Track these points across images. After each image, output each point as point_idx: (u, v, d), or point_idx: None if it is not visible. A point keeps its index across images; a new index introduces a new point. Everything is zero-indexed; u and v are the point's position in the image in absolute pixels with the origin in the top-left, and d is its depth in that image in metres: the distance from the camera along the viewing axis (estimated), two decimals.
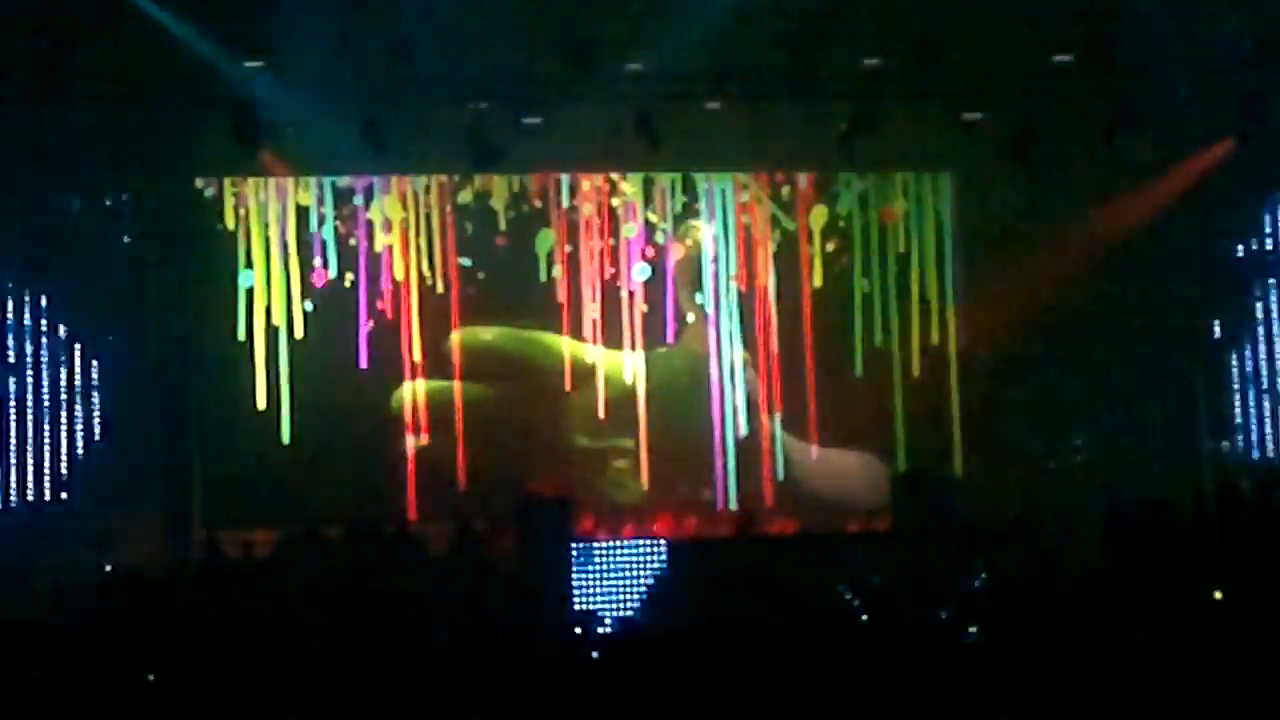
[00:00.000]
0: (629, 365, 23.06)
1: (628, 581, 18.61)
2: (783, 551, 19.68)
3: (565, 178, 22.96)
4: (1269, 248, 22.59)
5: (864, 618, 10.31)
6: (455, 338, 22.64)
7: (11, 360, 21.30)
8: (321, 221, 22.53)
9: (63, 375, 21.32)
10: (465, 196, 22.88)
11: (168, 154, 21.30)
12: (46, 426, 21.19)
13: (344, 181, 22.67)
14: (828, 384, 23.34)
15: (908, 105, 21.06)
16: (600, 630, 15.55)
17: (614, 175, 23.05)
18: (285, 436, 22.15)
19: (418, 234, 22.68)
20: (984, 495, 21.22)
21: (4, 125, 19.88)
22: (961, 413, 23.18)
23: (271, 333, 22.30)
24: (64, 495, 20.96)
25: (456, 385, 22.70)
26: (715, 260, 23.34)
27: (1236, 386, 22.92)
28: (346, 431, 22.12)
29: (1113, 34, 19.44)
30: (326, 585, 18.11)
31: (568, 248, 23.12)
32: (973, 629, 10.94)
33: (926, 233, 23.49)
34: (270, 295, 22.32)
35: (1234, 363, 23.05)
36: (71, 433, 21.11)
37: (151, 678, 12.09)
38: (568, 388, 22.87)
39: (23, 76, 19.01)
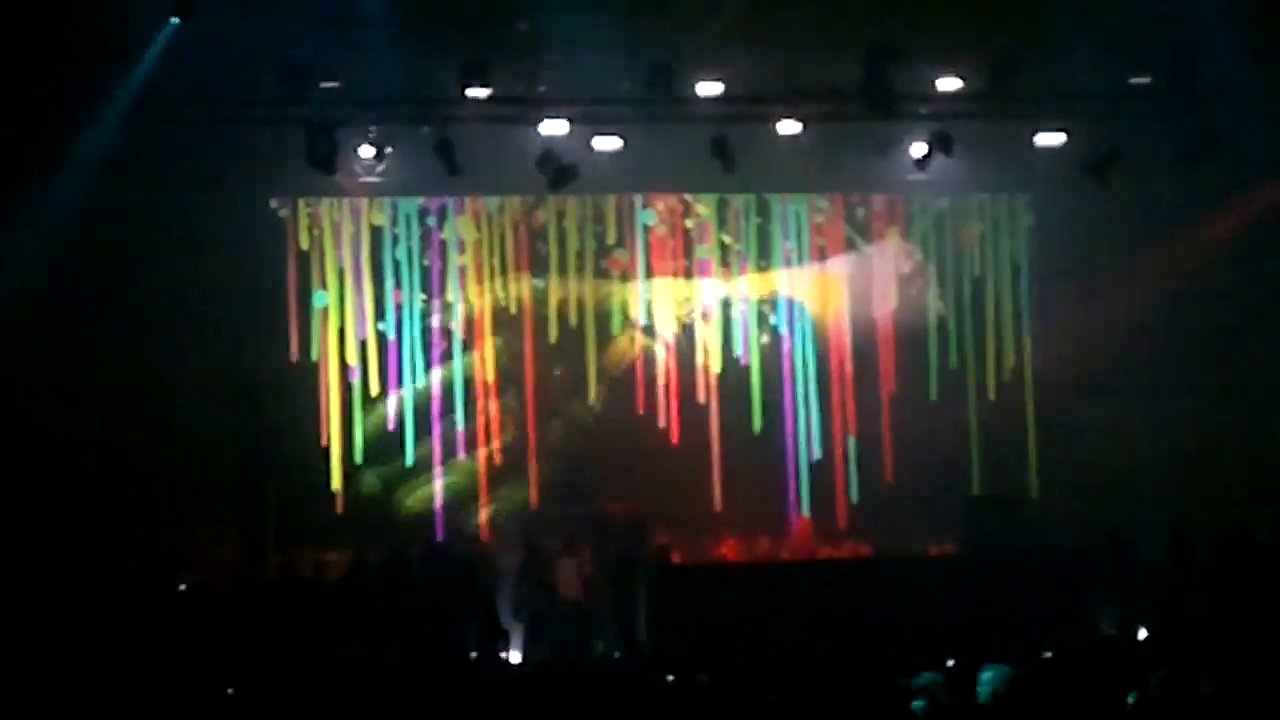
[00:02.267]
0: (702, 386, 22.88)
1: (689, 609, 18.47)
2: (853, 577, 19.66)
3: (639, 199, 22.88)
4: None
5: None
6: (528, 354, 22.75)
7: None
8: (395, 242, 22.51)
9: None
10: (541, 217, 22.88)
11: (243, 174, 21.13)
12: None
13: (418, 202, 22.63)
14: (902, 407, 23.12)
15: (986, 126, 20.79)
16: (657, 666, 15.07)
17: (688, 197, 22.95)
18: (359, 456, 22.25)
19: (491, 255, 22.71)
20: (1060, 521, 21.25)
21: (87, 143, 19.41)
22: (1037, 437, 23.13)
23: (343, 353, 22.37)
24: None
25: (529, 405, 22.81)
26: (789, 282, 23.20)
27: None
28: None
29: (1194, 56, 19.14)
30: (397, 605, 19.05)
31: (641, 268, 23.02)
32: None
33: (1002, 255, 23.41)
34: (344, 316, 22.41)
35: None
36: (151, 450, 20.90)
37: (230, 692, 12.47)
38: (639, 410, 22.79)
39: (100, 94, 18.89)
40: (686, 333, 23.02)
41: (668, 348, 23.00)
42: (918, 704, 9.44)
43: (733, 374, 23.11)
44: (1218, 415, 21.95)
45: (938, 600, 17.67)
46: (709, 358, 23.04)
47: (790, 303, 23.20)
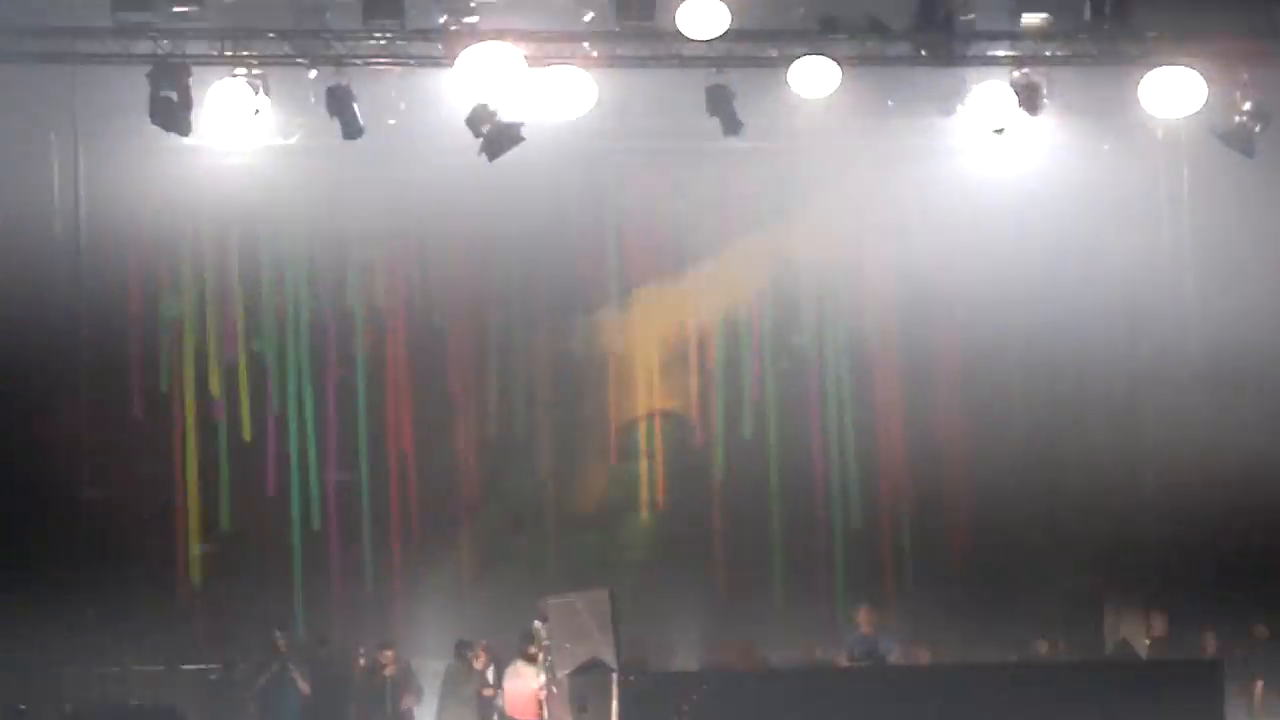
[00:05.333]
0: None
1: None
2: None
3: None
4: None
5: None
6: None
7: None
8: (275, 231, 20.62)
9: None
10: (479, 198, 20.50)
11: (60, 133, 19.76)
12: None
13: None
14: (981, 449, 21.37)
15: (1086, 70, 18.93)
16: None
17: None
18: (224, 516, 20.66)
19: (407, 247, 20.97)
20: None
21: None
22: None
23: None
24: None
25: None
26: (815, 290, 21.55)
27: None
28: None
29: None
30: None
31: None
32: None
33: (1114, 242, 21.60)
34: (205, 334, 20.56)
35: None
36: None
37: None
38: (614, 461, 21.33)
39: None
40: (672, 355, 21.17)
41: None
42: None
43: (741, 411, 21.30)
44: None
45: None
46: (707, 390, 21.28)
47: (819, 311, 21.33)
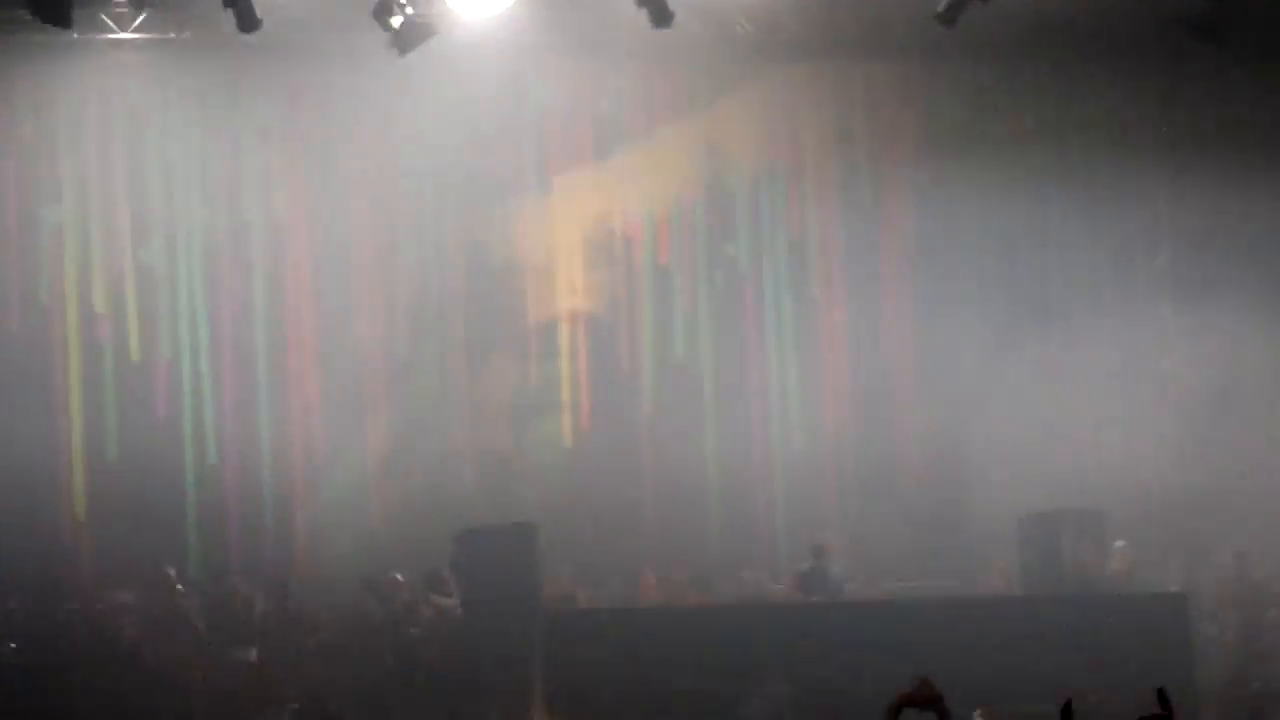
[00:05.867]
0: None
1: None
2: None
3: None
4: None
5: None
6: None
7: None
8: (165, 130, 19.61)
9: None
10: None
11: None
12: None
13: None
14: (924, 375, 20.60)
15: None
16: None
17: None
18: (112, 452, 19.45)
19: (311, 148, 19.83)
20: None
21: None
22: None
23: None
24: None
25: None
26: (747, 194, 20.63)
27: None
28: None
29: None
30: None
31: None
32: None
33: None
34: (88, 242, 19.57)
35: None
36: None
37: None
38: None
39: None
40: (600, 263, 20.15)
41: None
42: None
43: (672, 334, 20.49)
44: None
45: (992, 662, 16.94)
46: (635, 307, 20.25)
47: (757, 219, 20.24)
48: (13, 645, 18.31)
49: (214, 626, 18.36)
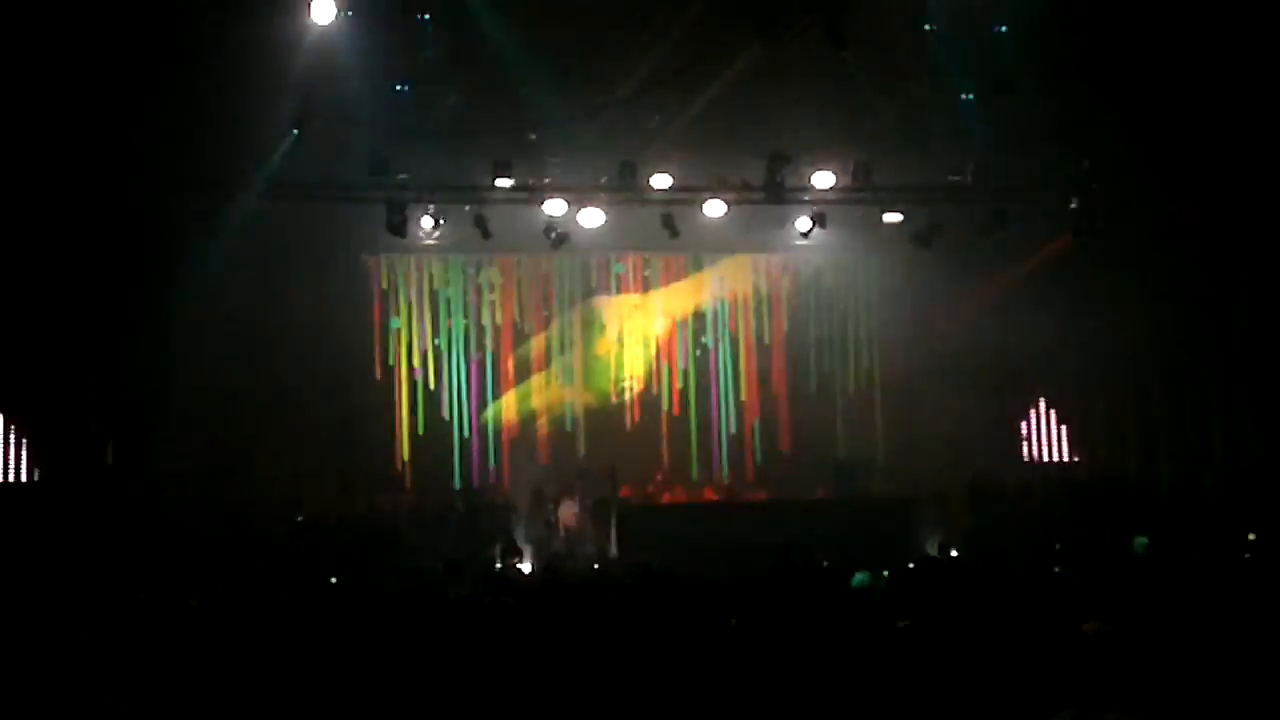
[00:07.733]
0: (655, 382, 28.31)
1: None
2: (758, 513, 24.78)
3: (613, 255, 28.57)
4: None
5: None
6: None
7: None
8: (447, 284, 28.05)
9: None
10: (546, 266, 28.29)
11: (342, 237, 26.04)
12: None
13: (462, 258, 28.03)
14: (792, 397, 28.57)
15: (849, 209, 25.81)
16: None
17: (646, 254, 28.37)
18: (421, 429, 28.09)
19: (512, 293, 28.25)
20: (900, 477, 26.43)
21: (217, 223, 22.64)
22: (883, 418, 29.04)
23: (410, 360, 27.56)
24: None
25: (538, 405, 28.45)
26: (715, 313, 29.02)
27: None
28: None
29: (988, 164, 24.07)
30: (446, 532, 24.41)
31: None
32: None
33: (859, 295, 29.36)
34: (411, 335, 27.89)
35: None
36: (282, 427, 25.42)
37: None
38: (613, 399, 28.58)
39: (241, 181, 22.68)
40: (645, 346, 28.22)
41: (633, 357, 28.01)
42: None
43: (677, 375, 28.47)
44: (993, 405, 27.52)
45: (817, 530, 20.94)
46: (660, 363, 28.36)
47: (716, 325, 28.68)
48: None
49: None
